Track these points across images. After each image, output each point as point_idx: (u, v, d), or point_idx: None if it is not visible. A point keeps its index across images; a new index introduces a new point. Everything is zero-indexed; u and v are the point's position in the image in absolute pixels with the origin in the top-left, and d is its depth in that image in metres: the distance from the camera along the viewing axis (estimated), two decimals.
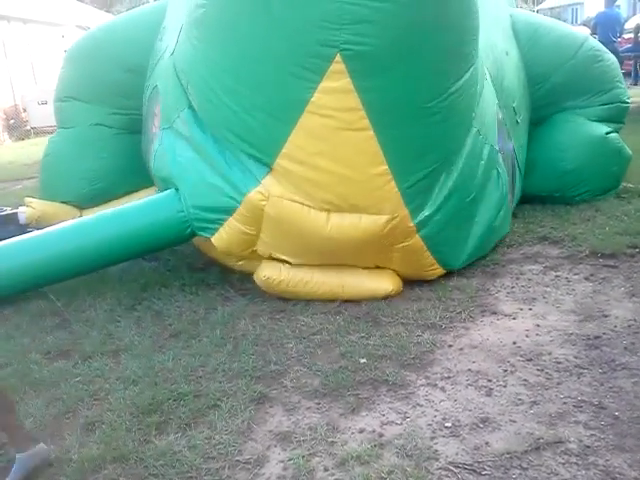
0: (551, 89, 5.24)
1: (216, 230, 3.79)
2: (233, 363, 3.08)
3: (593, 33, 10.71)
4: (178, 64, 4.03)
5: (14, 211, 5.54)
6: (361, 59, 3.08)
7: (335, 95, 3.16)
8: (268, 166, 3.46)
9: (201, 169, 3.83)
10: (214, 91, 3.55)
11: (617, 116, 5.34)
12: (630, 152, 5.27)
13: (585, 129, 5.18)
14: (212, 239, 3.86)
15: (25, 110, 16.91)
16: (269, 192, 3.49)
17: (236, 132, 3.52)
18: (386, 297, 3.70)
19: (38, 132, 15.74)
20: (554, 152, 5.14)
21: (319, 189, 3.40)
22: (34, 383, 3.09)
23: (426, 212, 3.54)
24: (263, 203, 3.52)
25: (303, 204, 3.46)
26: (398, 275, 3.82)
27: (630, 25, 14.76)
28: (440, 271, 3.86)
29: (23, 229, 5.27)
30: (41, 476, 2.37)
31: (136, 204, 4.23)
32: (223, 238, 3.77)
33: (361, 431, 2.47)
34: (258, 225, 3.63)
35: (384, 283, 3.72)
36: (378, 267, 3.75)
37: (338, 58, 3.06)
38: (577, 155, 5.09)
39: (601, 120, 5.24)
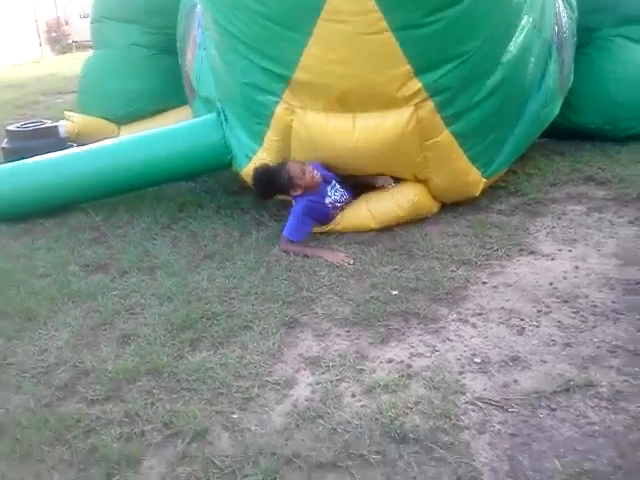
0: None
1: (247, 163, 3.78)
2: (266, 287, 3.11)
3: None
4: None
5: (54, 124, 5.57)
6: None
7: None
8: (287, 80, 3.35)
9: (228, 96, 3.77)
10: (230, 6, 3.42)
11: None
12: None
13: (638, 57, 4.86)
14: (242, 174, 3.87)
15: (67, 23, 16.77)
16: (293, 105, 3.42)
17: (253, 47, 3.40)
18: (416, 211, 3.69)
19: (80, 46, 15.63)
20: (605, 82, 4.86)
21: (341, 96, 3.33)
22: (72, 294, 3.17)
23: (458, 107, 3.42)
24: (290, 118, 3.47)
25: (327, 112, 3.40)
26: (438, 199, 3.82)
27: None
28: (479, 181, 3.75)
29: (63, 142, 5.33)
30: (78, 384, 2.46)
31: (179, 127, 4.22)
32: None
33: (390, 361, 2.49)
34: (287, 148, 3.58)
35: (409, 192, 3.67)
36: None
37: None
38: (629, 86, 4.81)
39: None
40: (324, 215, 3.65)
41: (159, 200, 4.36)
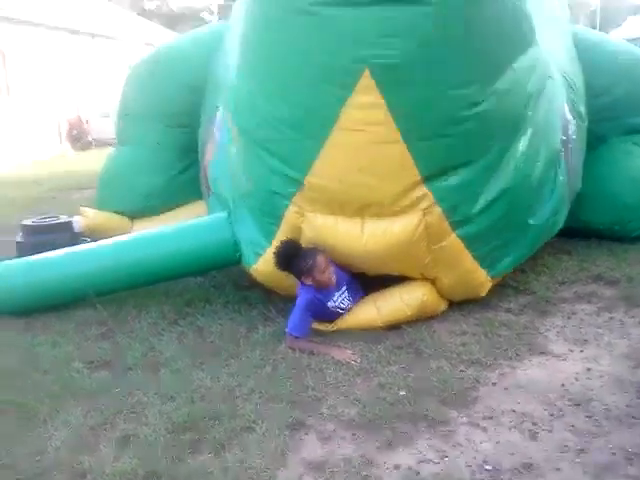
0: (611, 103, 5.03)
1: (257, 259, 3.84)
2: (271, 386, 3.05)
3: None
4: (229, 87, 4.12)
5: (69, 219, 5.69)
6: (389, 72, 3.06)
7: (365, 110, 3.15)
8: (299, 183, 3.44)
9: (243, 194, 3.89)
10: (248, 109, 3.57)
11: None
12: None
13: None
14: (252, 270, 3.92)
15: (87, 122, 17.54)
16: (303, 209, 3.50)
17: (268, 150, 3.51)
18: (424, 310, 3.68)
19: (99, 143, 16.27)
20: (614, 185, 4.96)
21: (351, 202, 3.41)
22: (75, 392, 3.13)
23: (465, 212, 3.47)
24: (300, 220, 3.54)
25: (337, 217, 3.47)
26: (445, 298, 3.82)
27: None
28: (486, 281, 3.76)
29: (77, 237, 5.42)
30: None
31: (189, 225, 4.32)
32: (262, 269, 3.85)
33: (396, 467, 2.40)
34: None
35: (417, 291, 3.69)
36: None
37: (367, 73, 3.05)
38: (638, 188, 4.92)
39: None
40: (322, 315, 3.66)
41: (167, 295, 4.37)
